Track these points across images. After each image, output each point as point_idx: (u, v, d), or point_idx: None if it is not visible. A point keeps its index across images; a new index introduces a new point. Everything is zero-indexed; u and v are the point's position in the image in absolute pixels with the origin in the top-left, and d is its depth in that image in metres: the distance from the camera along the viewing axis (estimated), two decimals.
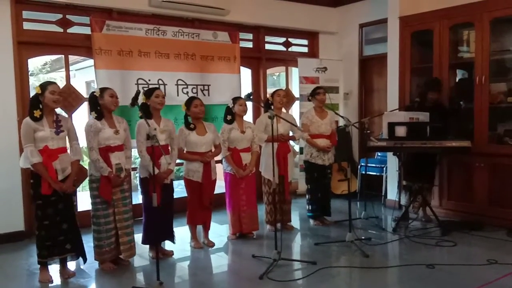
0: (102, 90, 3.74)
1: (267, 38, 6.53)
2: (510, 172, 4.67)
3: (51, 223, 3.46)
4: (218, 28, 5.76)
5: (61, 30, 4.97)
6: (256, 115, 5.99)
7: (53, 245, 3.51)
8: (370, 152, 6.17)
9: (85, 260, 3.74)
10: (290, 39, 6.78)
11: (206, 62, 5.64)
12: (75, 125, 3.73)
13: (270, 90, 6.13)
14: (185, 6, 5.37)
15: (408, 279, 3.48)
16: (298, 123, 5.24)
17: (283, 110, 5.20)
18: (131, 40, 5.07)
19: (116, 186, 3.71)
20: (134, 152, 4.15)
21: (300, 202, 5.97)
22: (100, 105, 3.69)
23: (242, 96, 4.67)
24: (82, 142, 3.74)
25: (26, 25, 4.76)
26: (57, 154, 3.46)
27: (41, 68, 10.47)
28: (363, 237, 4.46)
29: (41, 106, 3.41)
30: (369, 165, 6.12)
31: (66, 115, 4.84)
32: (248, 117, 5.17)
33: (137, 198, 4.85)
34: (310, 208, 5.07)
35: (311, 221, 5.13)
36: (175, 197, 4.23)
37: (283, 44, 6.75)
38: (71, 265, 3.81)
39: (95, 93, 3.70)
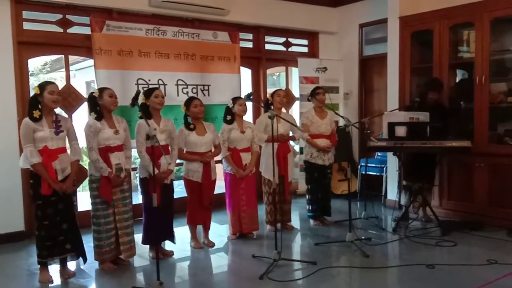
0: (101, 90, 3.73)
1: (267, 38, 6.53)
2: (510, 172, 4.67)
3: (51, 223, 3.46)
4: (218, 28, 5.75)
5: (61, 30, 4.97)
6: (256, 115, 5.99)
7: (53, 245, 3.51)
8: (370, 152, 6.17)
9: (85, 260, 3.74)
10: (290, 39, 6.77)
11: (206, 62, 5.64)
12: (75, 125, 3.73)
13: (270, 90, 6.12)
14: (185, 6, 5.37)
15: (408, 279, 3.48)
16: (298, 123, 5.23)
17: (283, 110, 5.20)
18: (131, 40, 5.07)
19: (116, 186, 3.71)
20: (134, 152, 4.14)
21: (300, 202, 5.97)
22: (100, 105, 3.68)
23: (242, 96, 4.67)
24: (82, 142, 3.74)
25: (26, 25, 4.76)
26: (56, 154, 3.45)
27: (41, 68, 10.46)
28: (363, 237, 4.46)
29: (40, 106, 3.40)
30: (369, 165, 6.12)
31: (66, 115, 4.84)
32: (248, 117, 5.18)
33: (137, 198, 4.84)
34: (310, 208, 5.07)
35: (311, 221, 5.13)
36: (175, 197, 4.22)
37: (283, 44, 6.74)
38: (71, 265, 3.81)
39: (94, 94, 3.70)
